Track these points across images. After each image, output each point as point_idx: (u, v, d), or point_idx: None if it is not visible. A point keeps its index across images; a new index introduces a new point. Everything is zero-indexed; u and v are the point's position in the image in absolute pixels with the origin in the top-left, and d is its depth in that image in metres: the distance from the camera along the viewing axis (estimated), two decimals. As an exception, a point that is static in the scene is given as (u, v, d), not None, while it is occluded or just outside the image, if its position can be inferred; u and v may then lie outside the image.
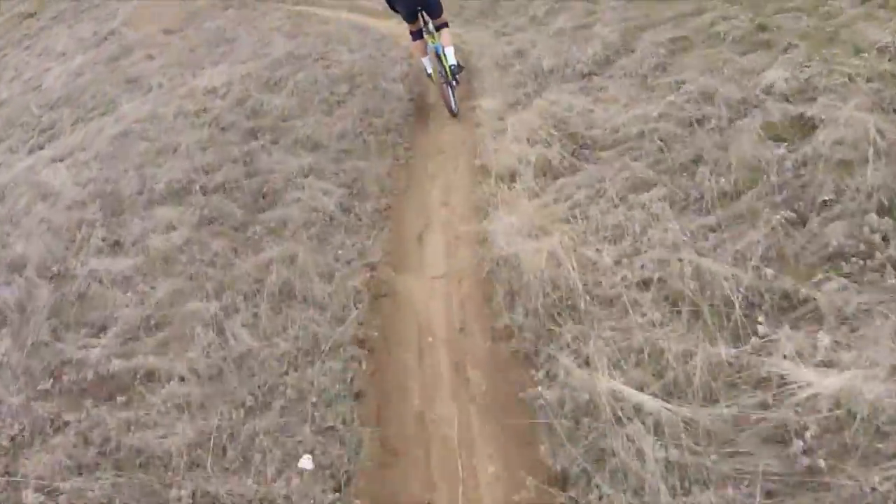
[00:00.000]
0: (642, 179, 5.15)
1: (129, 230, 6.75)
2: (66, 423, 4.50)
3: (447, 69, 7.34)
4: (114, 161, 8.79)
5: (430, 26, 7.49)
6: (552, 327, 4.29)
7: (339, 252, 5.82)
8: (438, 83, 7.71)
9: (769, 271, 3.98)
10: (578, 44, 7.94)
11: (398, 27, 11.58)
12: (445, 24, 7.44)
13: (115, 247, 6.61)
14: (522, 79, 7.62)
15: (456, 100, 7.88)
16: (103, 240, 6.66)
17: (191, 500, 3.86)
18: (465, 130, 7.67)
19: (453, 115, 7.81)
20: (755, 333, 3.75)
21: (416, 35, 7.64)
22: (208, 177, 7.54)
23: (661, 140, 5.51)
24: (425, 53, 7.66)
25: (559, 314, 4.36)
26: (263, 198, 6.98)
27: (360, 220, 6.22)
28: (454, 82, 7.57)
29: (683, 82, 6.16)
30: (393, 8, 7.64)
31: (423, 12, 7.40)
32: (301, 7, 15.87)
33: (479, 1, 11.56)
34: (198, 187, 7.33)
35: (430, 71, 7.73)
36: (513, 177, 5.94)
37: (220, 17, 16.34)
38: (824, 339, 3.46)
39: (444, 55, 7.31)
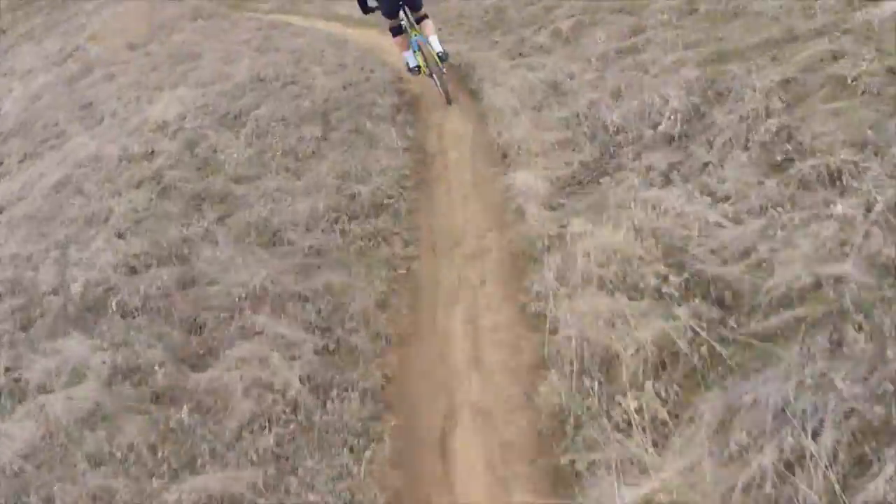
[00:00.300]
0: (864, 421, 2.14)
1: (33, 363, 4.08)
2: None
3: (435, 58, 6.13)
4: (42, 228, 6.24)
5: (411, 19, 6.24)
6: None
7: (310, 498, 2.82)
8: (428, 75, 6.52)
9: None
10: (636, 76, 4.90)
11: (380, 39, 8.52)
12: (426, 16, 6.31)
13: (17, 387, 3.98)
14: (573, 135, 4.58)
15: (448, 88, 6.45)
16: (6, 371, 4.13)
17: None
18: (490, 206, 4.65)
19: (448, 102, 6.43)
20: None
21: (397, 31, 6.43)
22: (132, 281, 4.62)
23: (855, 306, 2.50)
24: (407, 48, 6.47)
25: None
26: (198, 333, 4.01)
27: (341, 417, 3.17)
28: (443, 70, 6.29)
29: (839, 172, 3.18)
30: (366, 8, 6.44)
31: (405, 7, 6.21)
32: (274, 16, 12.69)
33: (481, 8, 8.32)
34: (115, 304, 4.40)
35: (412, 65, 6.51)
36: (606, 367, 2.86)
37: (188, 28, 13.16)
38: None
39: (430, 45, 6.14)
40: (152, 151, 7.25)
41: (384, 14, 6.33)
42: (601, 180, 3.98)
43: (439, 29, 8.32)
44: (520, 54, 6.50)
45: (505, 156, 5.01)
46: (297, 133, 6.24)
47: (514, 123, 5.09)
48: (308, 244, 4.42)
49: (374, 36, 9.30)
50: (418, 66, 6.44)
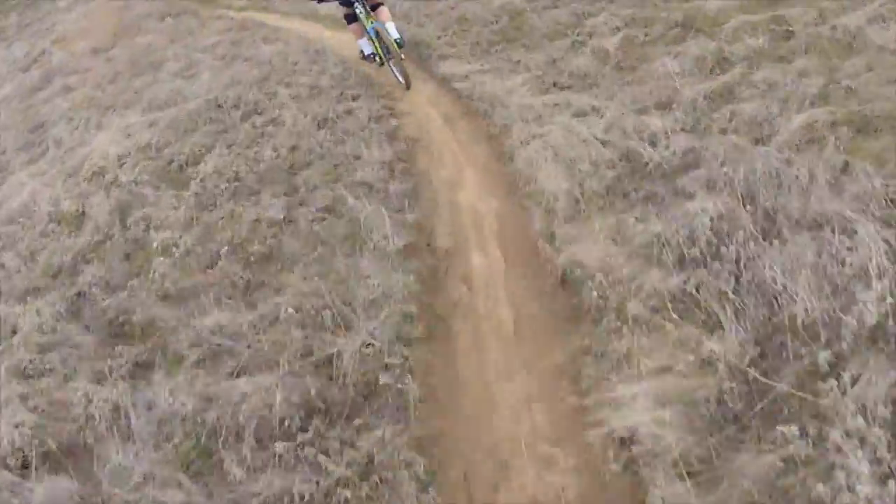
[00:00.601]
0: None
1: None
2: None
3: (392, 44, 5.13)
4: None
5: (367, 7, 5.30)
6: None
7: None
8: (380, 64, 5.57)
9: None
10: (764, 158, 2.66)
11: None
12: (381, 3, 5.36)
13: None
14: (696, 286, 2.35)
15: (407, 72, 5.31)
16: None
17: None
18: (552, 389, 2.44)
19: (408, 88, 5.32)
20: None
21: (351, 18, 5.51)
22: (22, 493, 2.61)
23: None
24: (362, 35, 5.55)
25: None
26: None
27: None
28: (401, 56, 5.22)
29: None
30: None
31: None
32: (247, 14, 10.11)
33: (490, 11, 5.85)
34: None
35: (368, 52, 5.64)
36: None
37: (155, 29, 10.60)
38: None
39: (387, 31, 5.16)
40: (83, 213, 5.09)
41: (340, 2, 5.53)
42: (780, 427, 1.78)
43: (438, 37, 5.99)
44: (554, 84, 4.17)
45: (563, 282, 2.78)
46: (254, 207, 3.99)
47: (577, 229, 2.85)
48: (260, 493, 2.22)
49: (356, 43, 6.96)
50: (374, 53, 5.61)
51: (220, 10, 10.77)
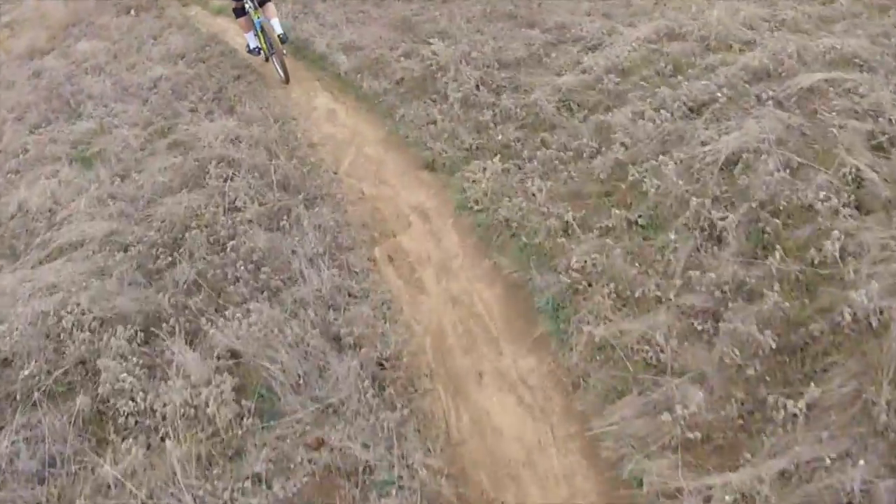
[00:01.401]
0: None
1: None
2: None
3: (276, 40, 4.48)
4: None
5: (255, 2, 4.49)
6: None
7: None
8: (265, 59, 4.79)
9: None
10: None
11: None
12: None
13: None
14: None
15: (286, 68, 4.53)
16: None
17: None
18: None
19: (286, 82, 4.57)
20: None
21: (240, 12, 4.62)
22: None
23: None
24: (249, 29, 4.71)
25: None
26: None
27: None
28: (283, 52, 4.55)
29: None
30: None
31: None
32: (221, 20, 6.16)
33: (589, 177, 2.05)
34: None
35: (253, 46, 4.78)
36: None
37: (107, 30, 6.68)
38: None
39: (272, 27, 4.50)
40: None
41: None
42: None
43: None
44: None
45: None
46: None
47: None
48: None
49: (361, 122, 3.30)
50: (258, 48, 4.73)
51: (194, 9, 6.74)
